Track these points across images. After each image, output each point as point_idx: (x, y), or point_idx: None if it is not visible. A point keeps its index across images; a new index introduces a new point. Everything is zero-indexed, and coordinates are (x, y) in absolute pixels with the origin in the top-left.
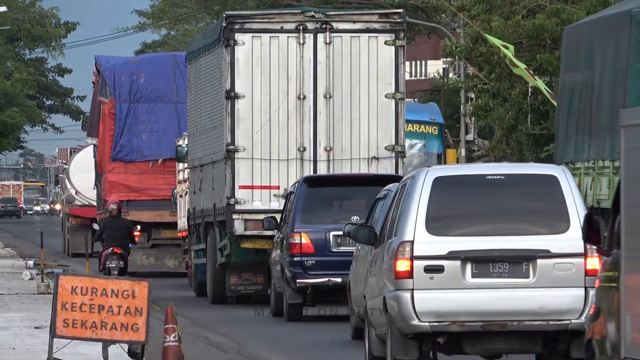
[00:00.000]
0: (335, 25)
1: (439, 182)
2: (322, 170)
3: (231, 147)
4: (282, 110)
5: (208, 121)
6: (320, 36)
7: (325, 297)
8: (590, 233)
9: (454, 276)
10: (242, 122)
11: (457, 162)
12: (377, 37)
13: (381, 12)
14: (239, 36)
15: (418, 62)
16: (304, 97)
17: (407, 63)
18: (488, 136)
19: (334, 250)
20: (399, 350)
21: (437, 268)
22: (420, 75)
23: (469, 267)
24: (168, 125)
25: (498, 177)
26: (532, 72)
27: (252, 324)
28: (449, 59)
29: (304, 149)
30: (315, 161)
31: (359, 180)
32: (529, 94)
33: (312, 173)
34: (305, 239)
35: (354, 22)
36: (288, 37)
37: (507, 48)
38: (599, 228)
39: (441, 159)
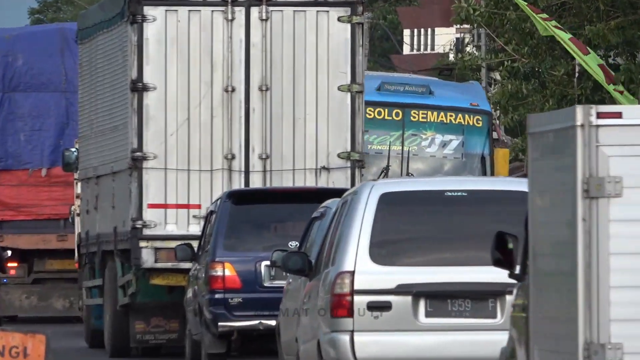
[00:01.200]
0: None
1: (386, 200)
2: (256, 184)
3: (138, 154)
4: (204, 106)
5: (107, 119)
6: (254, 11)
7: (256, 345)
8: (502, 255)
9: (404, 315)
10: (153, 122)
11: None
12: (328, 12)
13: None
14: (148, 10)
15: (423, 30)
16: (233, 90)
17: (407, 31)
18: (519, 133)
19: (266, 284)
20: None
21: (383, 305)
22: (426, 49)
23: (422, 304)
24: (55, 121)
25: (459, 194)
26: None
27: None
28: (464, 27)
29: (233, 157)
30: (247, 172)
31: (299, 196)
32: (576, 75)
33: (243, 187)
34: (229, 271)
35: None
36: (212, 11)
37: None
38: (513, 249)
39: (486, 163)
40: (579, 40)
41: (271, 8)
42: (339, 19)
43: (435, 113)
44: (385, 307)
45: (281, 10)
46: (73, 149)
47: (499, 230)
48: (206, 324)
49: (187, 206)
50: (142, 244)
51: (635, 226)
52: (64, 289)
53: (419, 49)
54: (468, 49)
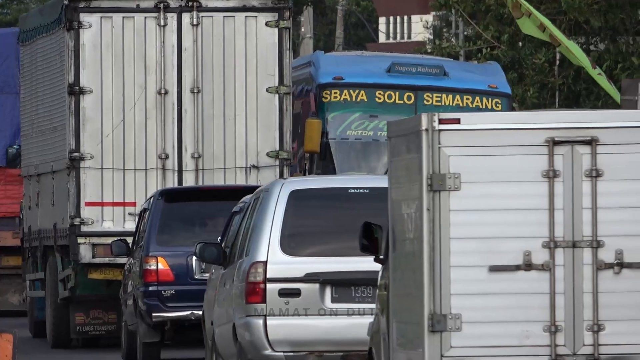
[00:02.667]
0: (204, 2)
1: (295, 196)
2: (189, 182)
3: (76, 154)
4: (138, 108)
5: (47, 120)
6: (185, 16)
7: (188, 335)
8: (368, 242)
9: (312, 301)
10: (90, 124)
11: None
12: (256, 17)
13: None
14: (84, 17)
15: (399, 18)
16: (166, 92)
17: (383, 19)
18: None
19: (197, 277)
20: None
21: (293, 292)
22: (402, 37)
23: (328, 290)
24: (10, 122)
25: (362, 190)
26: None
27: None
28: (441, 13)
29: (167, 157)
30: (180, 171)
31: (228, 193)
32: (557, 63)
33: (176, 185)
34: (162, 265)
35: None
36: (145, 17)
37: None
38: (377, 237)
39: None
40: (554, 13)
41: (202, 14)
42: (266, 24)
43: (450, 96)
44: (295, 293)
45: (211, 16)
46: (16, 146)
47: (365, 221)
48: (141, 314)
49: (123, 204)
50: (80, 240)
51: (471, 215)
52: (20, 284)
53: (395, 37)
54: (446, 36)
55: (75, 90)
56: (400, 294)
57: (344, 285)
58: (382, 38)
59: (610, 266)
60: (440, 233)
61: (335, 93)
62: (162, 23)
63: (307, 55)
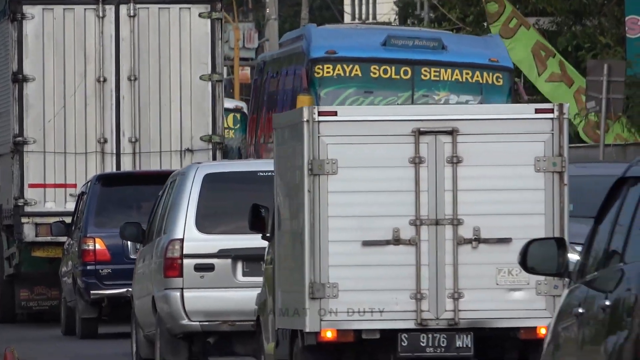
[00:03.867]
0: None
1: (209, 179)
2: (126, 164)
3: (19, 138)
4: (79, 95)
5: None
6: (122, 8)
7: (123, 311)
8: (255, 221)
9: (225, 275)
10: (32, 110)
11: None
12: (189, 8)
13: None
14: (27, 9)
15: (364, 0)
16: (105, 80)
17: (348, 0)
18: None
19: (132, 257)
20: (168, 351)
21: (207, 266)
22: (368, 18)
23: (239, 265)
24: None
25: (269, 173)
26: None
27: (42, 343)
28: None
29: (105, 141)
30: (118, 155)
31: (160, 178)
32: None
33: (114, 168)
34: (99, 245)
35: None
36: (85, 9)
37: None
38: (264, 217)
39: None
40: (523, 6)
41: (138, 5)
42: (199, 15)
43: (449, 70)
44: (209, 268)
45: (147, 8)
46: None
47: (254, 203)
48: (80, 292)
49: (64, 185)
50: (24, 220)
51: (347, 196)
52: None
53: (360, 19)
54: (410, 19)
55: (19, 78)
56: (285, 267)
57: (253, 261)
58: (347, 19)
59: (468, 241)
60: (319, 212)
61: (328, 68)
62: (100, 14)
63: (298, 29)
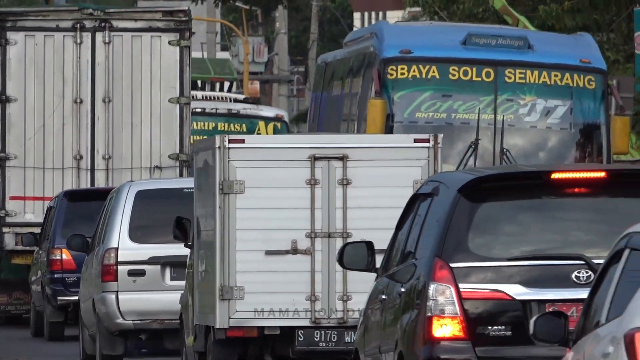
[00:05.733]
0: (115, 23)
1: (140, 195)
2: (100, 180)
3: (2, 154)
4: (57, 115)
5: None
6: (98, 35)
7: None
8: (179, 232)
9: (155, 279)
10: (14, 128)
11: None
12: (160, 36)
13: (165, 10)
14: (11, 35)
15: (374, 13)
16: (81, 101)
17: (357, 14)
18: None
19: None
20: (106, 346)
21: (139, 272)
22: None
23: (167, 271)
24: None
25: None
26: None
27: (12, 344)
28: (415, 9)
29: (81, 157)
30: (92, 170)
31: None
32: None
33: (89, 183)
34: (66, 256)
35: (136, 20)
36: (64, 36)
37: None
38: (187, 228)
39: (601, 135)
40: (532, 23)
41: (113, 33)
42: (169, 43)
43: (535, 72)
44: (141, 273)
45: (121, 35)
46: None
47: (177, 215)
48: (48, 298)
49: (42, 198)
50: (5, 229)
51: (253, 212)
52: None
53: None
54: None
55: (2, 99)
56: (201, 271)
57: (180, 266)
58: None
59: None
60: (229, 225)
61: (402, 69)
62: (78, 41)
63: (368, 26)
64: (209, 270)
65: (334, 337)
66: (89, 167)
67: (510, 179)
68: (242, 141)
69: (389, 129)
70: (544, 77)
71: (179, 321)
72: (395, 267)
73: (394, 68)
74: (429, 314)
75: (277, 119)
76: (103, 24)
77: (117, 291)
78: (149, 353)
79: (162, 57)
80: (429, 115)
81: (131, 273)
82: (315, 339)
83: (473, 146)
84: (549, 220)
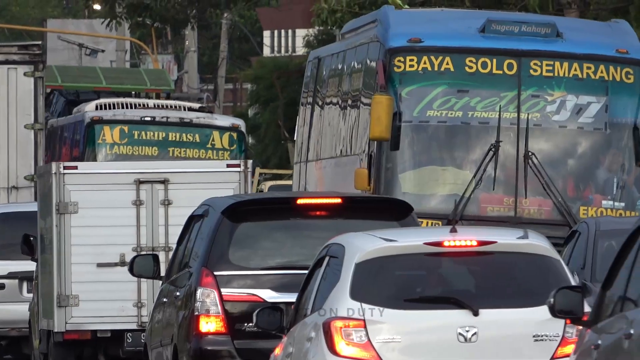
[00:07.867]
0: None
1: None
2: None
3: None
4: None
5: None
6: None
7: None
8: (26, 247)
9: (13, 292)
10: None
11: None
12: (16, 68)
13: (20, 44)
14: None
15: (283, 31)
16: None
17: (267, 32)
18: None
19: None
20: None
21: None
22: (287, 51)
23: (24, 284)
24: None
25: None
26: None
27: None
28: (323, 28)
29: None
30: None
31: None
32: None
33: None
34: None
35: None
36: None
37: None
38: (33, 244)
39: (638, 136)
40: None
41: None
42: (24, 74)
43: (565, 64)
44: (1, 287)
45: None
46: None
47: (25, 233)
48: None
49: None
50: None
51: (85, 230)
52: None
53: (279, 51)
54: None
55: None
56: (42, 281)
57: (31, 281)
58: (266, 51)
59: None
60: (64, 241)
61: (411, 60)
62: None
63: (372, 12)
64: (48, 280)
65: None
66: None
67: (265, 203)
68: (76, 167)
69: (396, 130)
70: (575, 70)
71: (28, 327)
72: (175, 275)
73: (402, 59)
74: (197, 313)
75: (233, 128)
76: None
77: None
78: (13, 359)
79: (18, 87)
80: (443, 114)
81: None
82: (142, 340)
83: (493, 149)
84: (296, 237)
